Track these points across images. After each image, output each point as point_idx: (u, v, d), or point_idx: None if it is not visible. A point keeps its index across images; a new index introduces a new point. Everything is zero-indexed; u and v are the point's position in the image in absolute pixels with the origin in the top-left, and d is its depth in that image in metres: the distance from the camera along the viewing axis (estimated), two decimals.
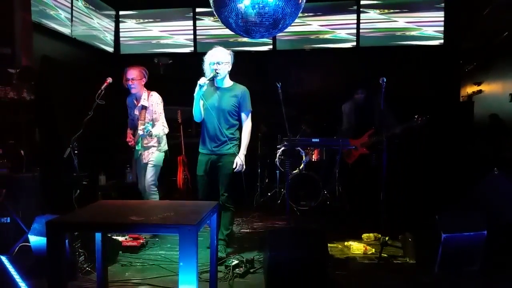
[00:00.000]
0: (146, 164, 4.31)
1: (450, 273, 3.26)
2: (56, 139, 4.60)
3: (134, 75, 4.20)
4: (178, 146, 5.30)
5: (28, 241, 3.22)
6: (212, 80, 3.64)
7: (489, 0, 5.41)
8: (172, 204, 2.72)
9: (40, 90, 4.37)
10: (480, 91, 7.32)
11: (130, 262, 3.53)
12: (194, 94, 3.60)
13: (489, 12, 5.62)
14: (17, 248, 3.30)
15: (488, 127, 6.66)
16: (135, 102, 4.33)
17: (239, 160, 3.61)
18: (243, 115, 3.74)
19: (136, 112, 4.31)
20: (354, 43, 6.07)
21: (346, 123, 5.06)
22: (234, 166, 3.63)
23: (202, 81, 3.53)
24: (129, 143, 4.33)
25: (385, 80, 3.83)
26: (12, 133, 3.89)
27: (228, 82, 3.79)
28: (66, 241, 3.03)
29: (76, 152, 3.83)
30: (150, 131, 4.08)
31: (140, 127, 4.12)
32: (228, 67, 3.71)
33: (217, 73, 3.60)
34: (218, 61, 3.61)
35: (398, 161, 4.57)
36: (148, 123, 4.13)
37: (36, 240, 3.14)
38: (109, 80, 4.04)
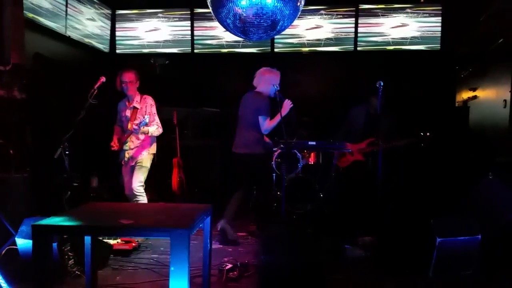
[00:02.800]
0: (133, 166, 4.27)
1: (445, 277, 3.25)
2: (47, 139, 4.52)
3: (129, 78, 4.22)
4: (174, 148, 5.23)
5: (15, 244, 3.14)
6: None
7: (485, 7, 5.42)
8: (165, 207, 2.68)
9: (32, 88, 4.30)
10: (475, 97, 7.35)
11: (122, 266, 3.46)
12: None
13: (485, 19, 5.64)
14: (3, 251, 3.21)
15: (483, 132, 6.69)
16: (127, 104, 4.32)
17: None
18: None
19: (127, 113, 4.29)
20: (352, 47, 6.05)
21: (349, 126, 4.96)
22: None
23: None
24: (112, 148, 4.28)
25: (382, 83, 3.80)
26: (1, 132, 3.81)
27: None
28: (55, 244, 2.97)
29: (67, 152, 3.76)
30: (146, 123, 4.05)
31: (135, 122, 4.07)
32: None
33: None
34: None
35: (394, 166, 4.54)
36: (146, 117, 4.08)
37: (23, 243, 3.06)
38: (103, 79, 3.99)
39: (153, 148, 4.39)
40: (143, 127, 4.12)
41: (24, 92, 4.02)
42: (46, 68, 4.82)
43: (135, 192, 4.22)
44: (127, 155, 4.32)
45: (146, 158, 4.30)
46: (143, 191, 4.28)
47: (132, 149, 4.30)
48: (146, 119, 4.05)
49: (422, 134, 4.38)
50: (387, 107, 4.43)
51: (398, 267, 3.47)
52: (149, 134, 4.25)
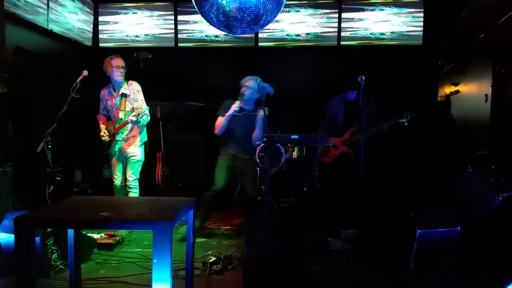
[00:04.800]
0: (125, 156, 4.22)
1: (425, 269, 3.31)
2: (29, 133, 4.48)
3: (122, 63, 4.15)
4: (158, 142, 5.21)
5: None
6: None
7: (466, 2, 5.50)
8: (148, 200, 2.67)
9: (13, 82, 4.24)
10: (457, 91, 7.47)
11: (105, 260, 3.47)
12: None
13: (466, 14, 5.72)
14: None
15: (465, 126, 6.81)
16: (113, 91, 4.21)
17: None
18: None
19: (114, 101, 4.19)
20: (335, 42, 6.08)
21: (330, 118, 4.98)
22: None
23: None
24: (103, 138, 4.16)
25: (363, 78, 3.84)
26: None
27: None
28: (38, 238, 2.95)
29: (49, 146, 3.73)
30: (146, 114, 4.03)
31: (132, 114, 4.01)
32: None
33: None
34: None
35: (376, 159, 4.60)
36: (145, 109, 4.06)
37: (5, 237, 3.05)
38: (85, 72, 3.95)
39: (144, 137, 4.34)
40: (136, 117, 4.02)
41: (5, 86, 3.97)
42: (28, 61, 4.75)
43: (131, 185, 4.20)
44: (118, 146, 4.22)
45: (140, 151, 4.25)
46: (137, 185, 4.26)
47: (124, 140, 4.21)
48: (146, 110, 4.02)
49: (405, 113, 4.42)
50: (366, 97, 4.47)
51: (379, 259, 3.55)
52: (143, 124, 4.20)
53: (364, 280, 3.18)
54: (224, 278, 3.17)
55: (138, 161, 4.24)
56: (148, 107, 4.09)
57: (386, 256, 3.59)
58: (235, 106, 3.99)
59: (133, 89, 4.21)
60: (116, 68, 4.11)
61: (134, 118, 3.99)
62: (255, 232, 3.11)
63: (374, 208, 4.46)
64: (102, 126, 4.22)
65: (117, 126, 4.16)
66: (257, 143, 4.26)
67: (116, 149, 4.23)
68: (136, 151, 4.22)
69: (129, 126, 4.20)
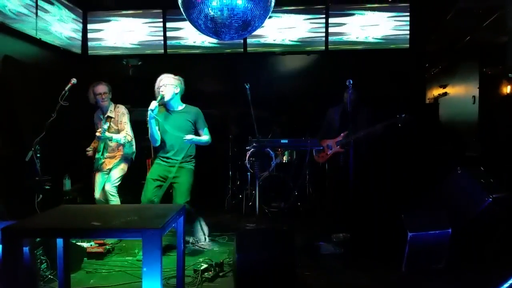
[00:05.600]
0: (109, 171, 4.29)
1: (417, 271, 3.32)
2: (18, 141, 4.43)
3: (104, 89, 4.26)
4: (147, 149, 5.19)
5: None
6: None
7: (451, 6, 5.57)
8: (137, 208, 2.67)
9: (1, 91, 4.20)
10: (445, 94, 7.54)
11: (95, 269, 3.44)
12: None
13: (452, 17, 5.79)
14: None
15: (453, 128, 6.87)
16: (102, 115, 4.34)
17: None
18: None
19: (102, 123, 4.25)
20: (323, 46, 6.12)
21: (328, 126, 5.01)
22: None
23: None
24: (87, 152, 4.33)
25: (351, 82, 3.87)
26: None
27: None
28: (27, 248, 2.92)
29: (38, 155, 3.70)
30: (106, 132, 4.04)
31: (99, 129, 4.07)
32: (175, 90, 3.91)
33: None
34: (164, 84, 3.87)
35: (367, 162, 4.62)
36: (105, 124, 4.09)
37: None
38: (73, 80, 3.94)
39: (130, 153, 4.43)
40: (106, 139, 4.13)
41: None
42: (16, 70, 4.71)
43: (108, 192, 4.21)
44: (102, 163, 4.31)
45: (122, 165, 4.33)
46: (116, 192, 4.27)
47: (105, 157, 4.31)
48: (105, 126, 4.04)
49: (398, 116, 4.45)
50: (360, 103, 4.50)
51: (371, 262, 3.56)
52: (115, 142, 4.24)
53: (356, 284, 3.18)
54: (216, 286, 3.16)
55: (120, 169, 4.31)
56: (124, 137, 4.16)
57: (378, 259, 3.60)
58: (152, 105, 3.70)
59: (118, 111, 4.33)
60: (99, 95, 4.25)
61: (98, 134, 4.03)
62: (246, 238, 3.11)
63: (365, 211, 4.47)
64: (93, 144, 4.39)
65: (101, 145, 4.27)
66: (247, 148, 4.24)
67: (99, 163, 4.31)
68: (119, 161, 4.31)
69: (113, 144, 4.30)
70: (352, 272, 3.38)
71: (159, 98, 3.76)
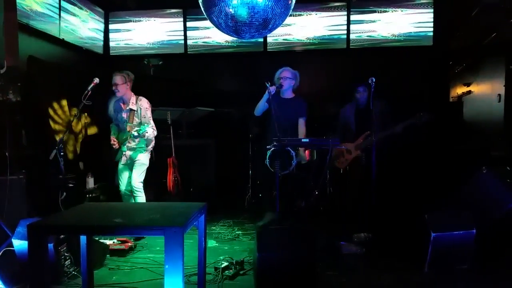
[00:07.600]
0: (131, 163, 4.31)
1: (441, 272, 3.26)
2: (42, 140, 4.53)
3: (116, 80, 4.26)
4: (168, 148, 5.24)
5: (12, 245, 3.15)
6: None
7: (476, 1, 5.44)
8: (159, 206, 2.67)
9: (26, 91, 4.30)
10: (469, 92, 7.36)
11: (118, 266, 3.48)
12: None
13: (477, 13, 5.65)
14: (0, 253, 3.22)
15: (478, 127, 6.71)
16: (122, 105, 4.35)
17: None
18: None
19: (124, 115, 4.32)
20: (345, 45, 6.06)
21: (343, 128, 4.96)
22: None
23: None
24: (114, 146, 4.31)
25: (374, 80, 3.81)
26: None
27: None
28: (51, 244, 2.98)
29: (62, 154, 3.77)
30: (146, 132, 4.08)
31: (134, 128, 4.11)
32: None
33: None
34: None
35: (389, 162, 4.55)
36: (144, 125, 4.12)
37: (19, 244, 3.07)
38: (96, 80, 4.00)
39: (150, 147, 4.44)
40: (139, 137, 4.19)
41: (19, 95, 4.02)
42: (41, 70, 4.82)
43: (135, 189, 4.26)
44: (124, 156, 4.35)
45: (144, 156, 4.35)
46: (142, 188, 4.31)
47: (130, 150, 4.34)
48: (145, 127, 4.08)
49: (417, 114, 4.36)
50: (375, 99, 4.43)
51: (394, 263, 3.50)
52: (145, 137, 4.28)
53: (378, 284, 3.14)
54: (237, 284, 3.16)
55: (142, 164, 4.32)
56: (147, 125, 4.15)
57: (400, 259, 3.54)
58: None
59: (142, 105, 4.33)
60: (114, 86, 4.26)
61: (135, 133, 4.09)
62: (267, 237, 3.09)
63: (388, 211, 4.41)
64: (112, 136, 4.38)
65: (123, 137, 4.29)
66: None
67: (121, 156, 4.35)
68: (140, 156, 4.33)
69: (136, 138, 4.32)
70: (374, 272, 3.33)
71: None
